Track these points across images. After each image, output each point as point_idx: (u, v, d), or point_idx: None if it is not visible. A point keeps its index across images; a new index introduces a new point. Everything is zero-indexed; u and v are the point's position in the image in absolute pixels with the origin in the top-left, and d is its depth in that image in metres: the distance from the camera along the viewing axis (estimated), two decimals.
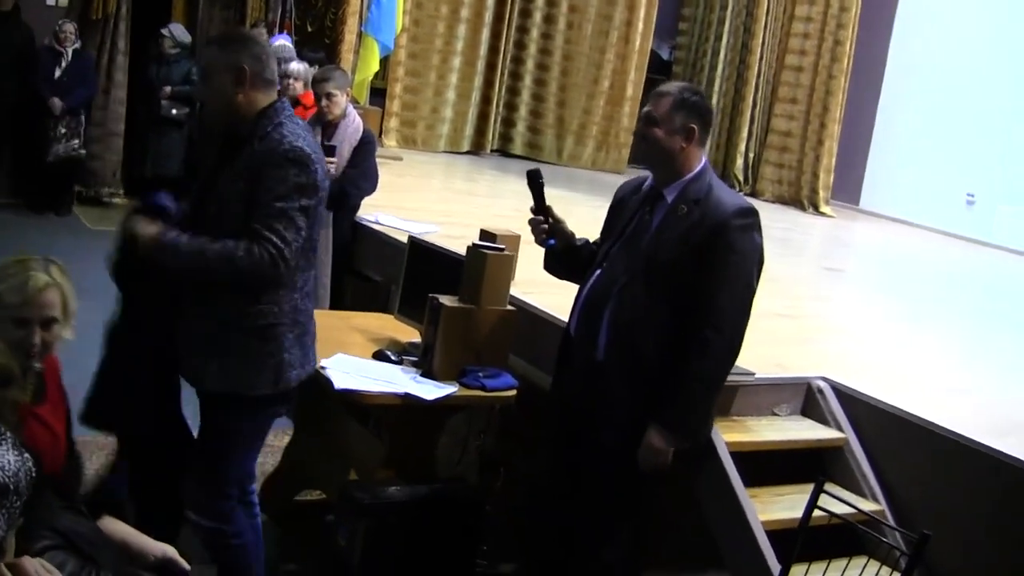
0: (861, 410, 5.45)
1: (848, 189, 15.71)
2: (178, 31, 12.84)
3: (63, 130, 11.82)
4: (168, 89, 12.52)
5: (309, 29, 12.79)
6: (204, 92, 4.44)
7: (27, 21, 12.00)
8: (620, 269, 4.44)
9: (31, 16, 12.09)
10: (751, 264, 4.34)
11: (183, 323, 4.24)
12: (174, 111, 12.59)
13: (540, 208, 4.65)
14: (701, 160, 4.48)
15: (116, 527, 3.01)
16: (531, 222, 4.67)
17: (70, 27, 11.95)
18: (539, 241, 4.69)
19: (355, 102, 10.73)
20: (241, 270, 3.95)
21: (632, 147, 13.76)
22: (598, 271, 4.53)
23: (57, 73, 11.89)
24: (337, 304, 7.52)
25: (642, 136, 4.48)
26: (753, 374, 5.37)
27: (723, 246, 4.26)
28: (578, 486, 4.60)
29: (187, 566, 3.06)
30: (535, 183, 4.64)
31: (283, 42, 11.10)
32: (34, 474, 2.49)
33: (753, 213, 4.40)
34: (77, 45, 12.03)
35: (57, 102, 11.72)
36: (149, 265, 4.12)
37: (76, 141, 11.82)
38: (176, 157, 12.77)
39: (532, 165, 12.29)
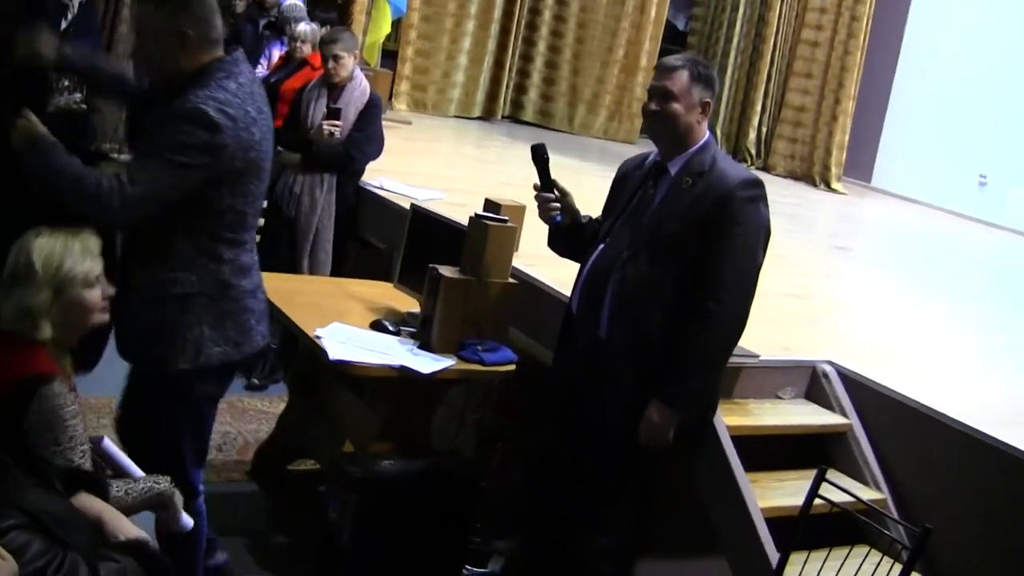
0: (866, 396, 5.35)
1: (860, 166, 15.58)
2: None
3: (66, 82, 11.71)
4: None
5: None
6: (142, 53, 4.18)
7: None
8: (623, 244, 4.35)
9: None
10: (756, 237, 4.24)
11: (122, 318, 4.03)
12: None
13: (546, 183, 4.54)
14: (705, 132, 4.40)
15: (92, 504, 2.92)
16: (538, 198, 4.56)
17: None
18: (545, 218, 4.58)
19: (366, 64, 10.65)
20: (81, 194, 3.65)
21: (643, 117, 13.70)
22: (600, 246, 4.43)
23: (63, 24, 11.78)
24: (338, 270, 7.45)
25: (658, 111, 4.36)
26: (757, 356, 5.28)
27: (727, 218, 4.17)
28: (578, 466, 4.52)
29: (157, 549, 2.97)
30: (540, 158, 4.53)
31: (294, 1, 10.97)
32: None
33: (759, 184, 4.31)
34: None
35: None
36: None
37: (78, 95, 11.70)
38: None
39: (543, 133, 12.27)
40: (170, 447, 4.12)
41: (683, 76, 4.31)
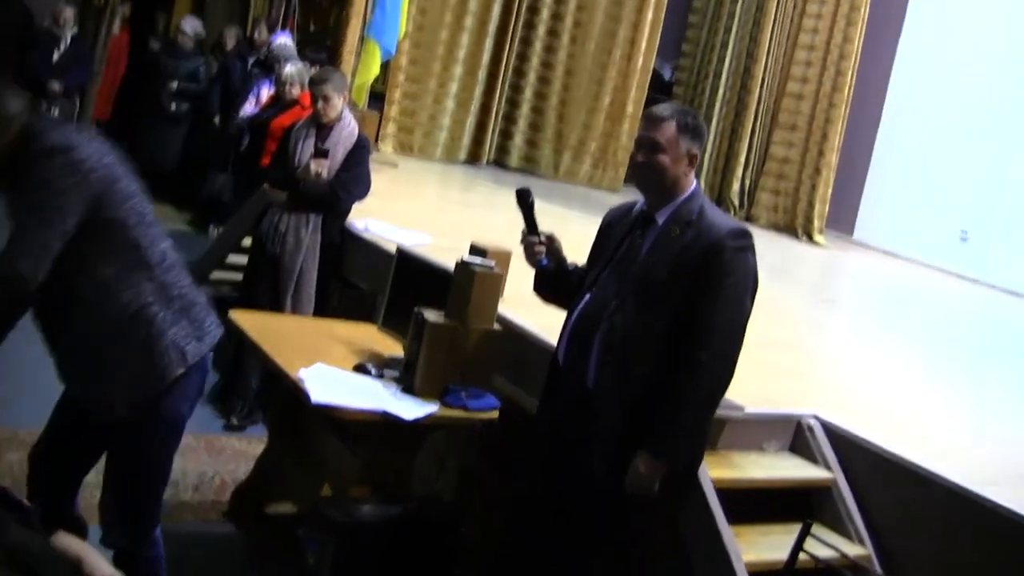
0: (851, 450, 5.34)
1: (843, 219, 15.61)
2: (196, 26, 12.78)
3: (56, 111, 11.72)
4: (175, 84, 12.46)
5: (312, 28, 12.71)
6: None
7: (27, 4, 11.91)
8: (611, 293, 4.31)
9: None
10: (745, 287, 4.22)
11: (59, 357, 4.06)
12: (175, 106, 12.53)
13: (532, 228, 4.51)
14: (692, 182, 4.37)
15: (71, 543, 2.87)
16: (523, 241, 4.53)
17: (69, 12, 11.91)
18: (532, 262, 4.55)
19: (354, 106, 10.64)
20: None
21: (629, 167, 13.71)
22: (587, 296, 4.40)
23: (55, 56, 11.81)
24: (321, 310, 7.41)
25: (645, 163, 4.34)
26: (743, 408, 5.25)
27: (716, 267, 4.15)
28: (564, 514, 4.47)
29: None
30: (525, 202, 4.51)
31: (284, 40, 11.00)
32: None
33: (747, 235, 4.29)
34: (75, 31, 11.95)
35: (56, 85, 11.63)
36: None
37: (70, 125, 11.73)
38: (173, 151, 12.71)
39: (528, 179, 12.22)
40: (146, 477, 4.12)
41: (671, 127, 4.29)
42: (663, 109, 4.40)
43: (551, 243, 4.53)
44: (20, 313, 3.89)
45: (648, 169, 4.32)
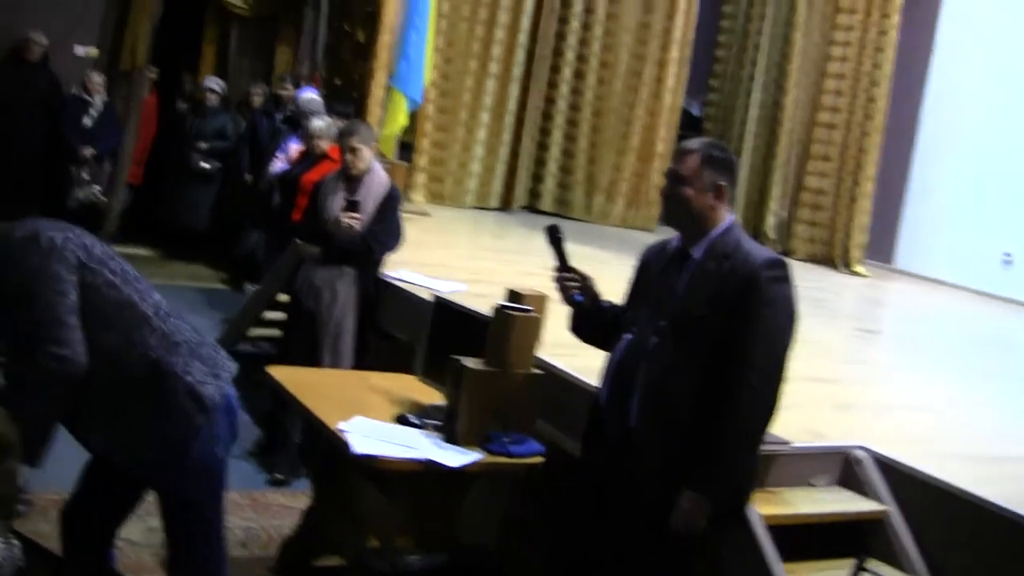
0: (902, 481, 5.25)
1: (882, 248, 15.51)
2: (222, 84, 12.84)
3: (85, 176, 11.77)
4: (204, 144, 12.51)
5: (337, 82, 12.72)
6: None
7: (55, 70, 11.98)
8: (649, 332, 4.26)
9: (59, 66, 12.07)
10: (784, 316, 4.16)
11: (82, 424, 4.02)
12: (205, 164, 12.57)
13: (564, 264, 4.48)
14: (727, 216, 4.32)
15: None
16: (557, 279, 4.49)
17: (98, 77, 11.96)
18: (566, 299, 4.51)
19: (382, 157, 10.65)
20: (36, 387, 3.76)
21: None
22: (628, 337, 4.35)
23: (87, 122, 11.88)
24: (360, 362, 7.38)
25: (669, 195, 4.31)
26: (788, 443, 5.18)
27: (755, 299, 4.09)
28: (610, 556, 4.41)
29: None
30: (555, 238, 4.50)
31: (310, 95, 11.02)
32: (21, 564, 2.33)
33: (784, 265, 4.24)
34: (105, 96, 12.01)
35: (88, 151, 11.69)
36: None
37: (97, 187, 11.76)
38: (203, 210, 12.75)
39: (561, 222, 12.18)
40: (198, 526, 4.17)
41: (694, 159, 4.26)
42: (691, 143, 4.39)
43: (584, 280, 4.49)
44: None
45: (671, 201, 4.33)
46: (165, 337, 3.94)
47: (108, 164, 11.97)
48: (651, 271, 4.47)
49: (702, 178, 4.25)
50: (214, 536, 4.23)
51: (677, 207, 4.30)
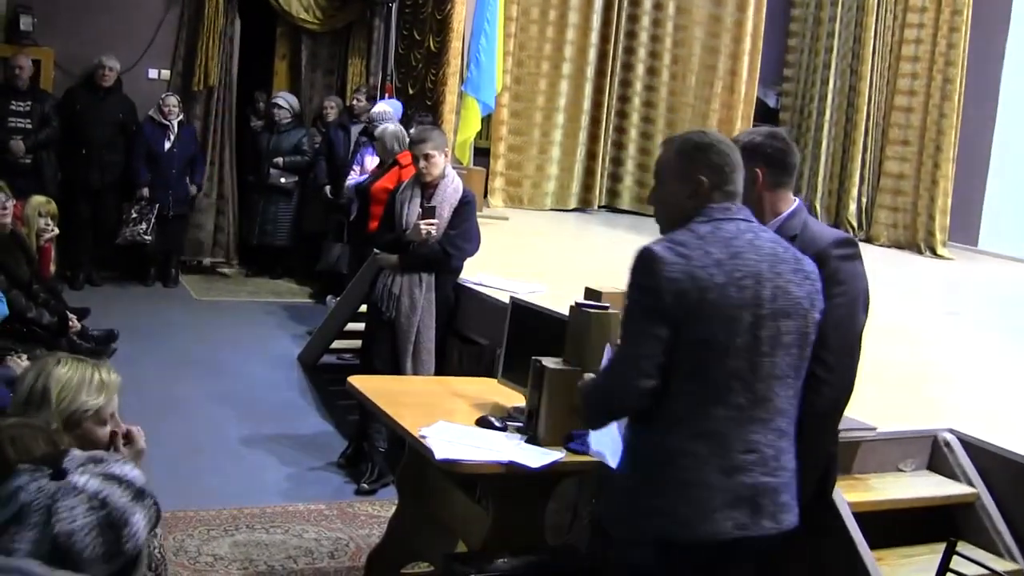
0: (992, 463, 5.19)
1: (966, 230, 15.28)
2: (290, 100, 12.94)
3: (134, 214, 11.89)
4: (281, 160, 12.61)
5: (410, 91, 12.78)
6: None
7: (128, 95, 12.13)
8: None
9: (132, 89, 12.22)
10: (855, 294, 4.11)
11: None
12: (283, 180, 12.67)
13: None
14: (791, 200, 4.30)
15: None
16: None
17: (174, 100, 12.09)
18: None
19: (458, 163, 10.69)
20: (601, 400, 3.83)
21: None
22: None
23: (166, 145, 12.01)
24: (442, 369, 7.42)
25: None
26: (875, 428, 5.13)
27: (824, 277, 4.04)
28: None
29: None
30: None
31: (383, 106, 11.08)
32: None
33: (852, 243, 4.22)
34: (181, 117, 12.14)
35: (146, 192, 11.83)
36: None
37: (143, 226, 11.85)
38: (283, 226, 12.85)
39: (641, 220, 12.16)
40: None
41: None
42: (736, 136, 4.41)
43: None
44: None
45: None
46: (692, 438, 3.66)
47: (155, 204, 12.00)
48: None
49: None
50: None
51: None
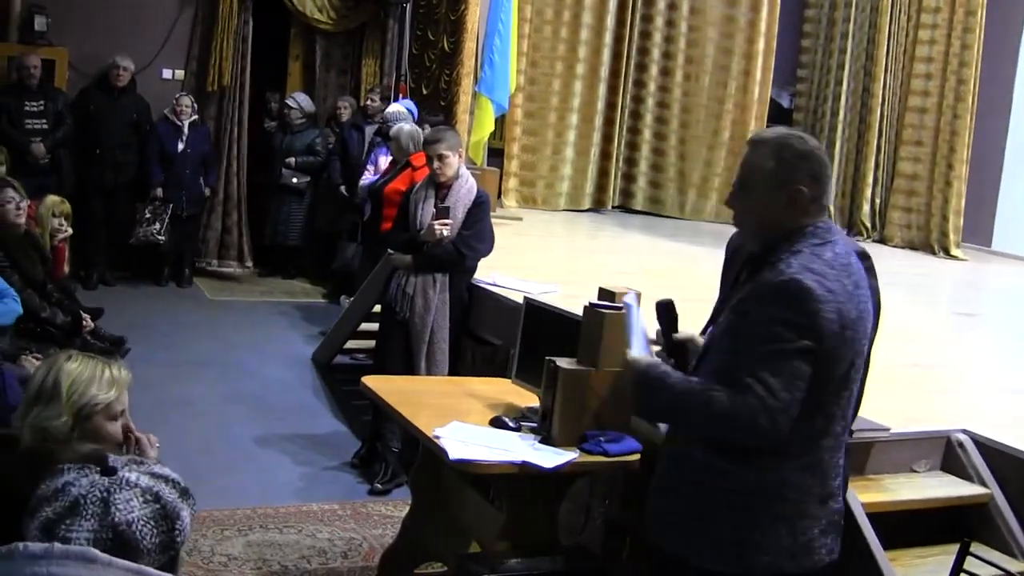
0: (1006, 464, 5.18)
1: (979, 231, 15.27)
2: (303, 100, 12.95)
3: (148, 214, 11.91)
4: (294, 160, 12.63)
5: (424, 92, 12.79)
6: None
7: (142, 95, 12.15)
8: None
9: (146, 89, 12.24)
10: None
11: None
12: (295, 180, 12.68)
13: (669, 340, 4.19)
14: None
15: None
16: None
17: (188, 100, 12.10)
18: None
19: (472, 163, 10.69)
20: (716, 418, 3.50)
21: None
22: (711, 329, 4.28)
23: (180, 146, 12.02)
24: (455, 369, 7.42)
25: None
26: (888, 429, 5.13)
27: None
28: None
29: None
30: (671, 315, 4.22)
31: (397, 106, 11.07)
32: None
33: (867, 257, 4.17)
34: (195, 118, 12.15)
35: (159, 192, 11.84)
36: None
37: (157, 226, 11.87)
38: (296, 226, 12.86)
39: (655, 220, 12.18)
40: None
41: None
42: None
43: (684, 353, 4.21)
44: None
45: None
46: (782, 481, 3.61)
47: (169, 205, 12.01)
48: (738, 257, 4.42)
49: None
50: None
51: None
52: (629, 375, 3.82)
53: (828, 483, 3.63)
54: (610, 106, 15.04)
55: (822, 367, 3.45)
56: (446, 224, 7.15)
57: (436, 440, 4.81)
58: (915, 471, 5.29)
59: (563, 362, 4.97)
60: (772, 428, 3.40)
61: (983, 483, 5.19)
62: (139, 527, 2.14)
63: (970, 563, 4.16)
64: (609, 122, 15.07)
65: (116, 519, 2.13)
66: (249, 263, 13.33)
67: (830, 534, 3.67)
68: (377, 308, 8.23)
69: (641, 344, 3.97)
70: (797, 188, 3.57)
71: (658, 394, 3.71)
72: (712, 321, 4.28)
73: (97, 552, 2.08)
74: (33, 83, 11.28)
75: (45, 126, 11.27)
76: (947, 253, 14.47)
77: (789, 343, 3.41)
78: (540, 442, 4.93)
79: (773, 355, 3.43)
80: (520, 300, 6.43)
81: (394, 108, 11.01)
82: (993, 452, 5.27)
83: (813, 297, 3.42)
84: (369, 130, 11.82)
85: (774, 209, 3.61)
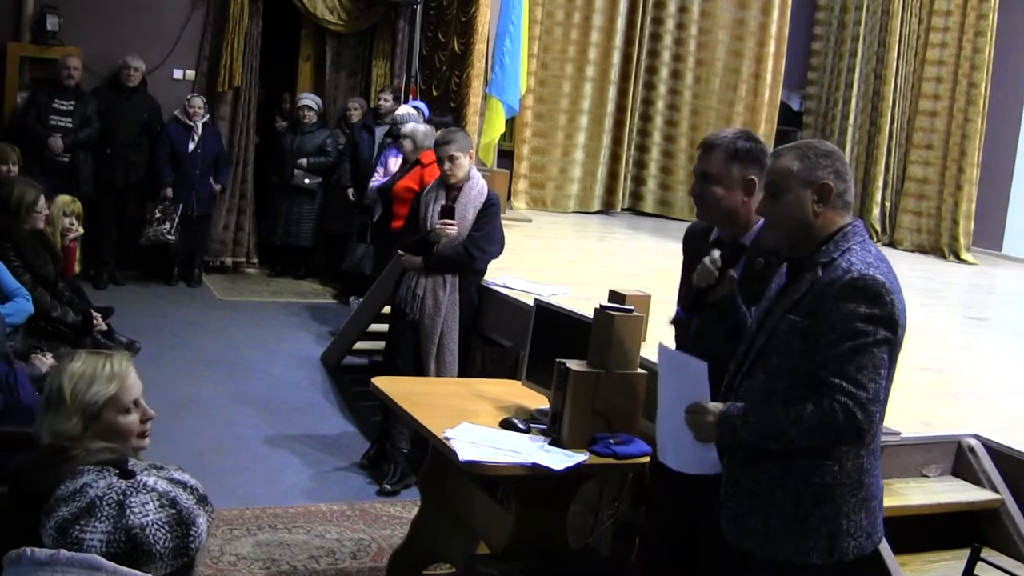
0: (1017, 469, 5.16)
1: (990, 235, 15.25)
2: (316, 101, 12.95)
3: (158, 214, 11.91)
4: (305, 161, 12.63)
5: (434, 93, 12.80)
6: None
7: (153, 95, 12.16)
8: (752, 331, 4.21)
9: (157, 90, 12.25)
10: None
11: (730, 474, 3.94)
12: (307, 180, 12.68)
13: (724, 269, 4.15)
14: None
15: None
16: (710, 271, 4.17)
17: (199, 101, 12.10)
18: (699, 279, 4.21)
19: (482, 165, 10.69)
20: (808, 426, 3.57)
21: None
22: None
23: (191, 147, 12.03)
24: (465, 370, 7.42)
25: (698, 194, 4.37)
26: (899, 433, 5.12)
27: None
28: (708, 549, 4.36)
29: None
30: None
31: (407, 108, 11.08)
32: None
33: None
34: (206, 118, 12.16)
35: (169, 192, 11.84)
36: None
37: (167, 226, 11.87)
38: (307, 227, 12.87)
39: (664, 223, 12.16)
40: None
41: (719, 155, 4.25)
42: (715, 136, 4.36)
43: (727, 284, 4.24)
44: None
45: (701, 201, 4.39)
46: (860, 467, 3.75)
47: (179, 204, 12.01)
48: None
49: (731, 175, 4.25)
50: None
51: (707, 206, 4.38)
52: (707, 425, 3.83)
53: (879, 465, 3.82)
54: (620, 108, 15.03)
55: (892, 356, 3.62)
56: (449, 224, 7.14)
57: (446, 441, 4.81)
58: (925, 476, 5.27)
59: (573, 364, 4.97)
60: (867, 420, 3.54)
61: (994, 488, 5.17)
62: (153, 531, 2.14)
63: (981, 568, 4.15)
64: (619, 124, 15.06)
65: (130, 522, 2.13)
66: (255, 260, 13.34)
67: (882, 513, 3.85)
68: (387, 309, 8.23)
69: (704, 393, 3.95)
70: (824, 183, 3.68)
71: (743, 429, 3.73)
72: (693, 309, 4.25)
73: (103, 560, 2.08)
74: (71, 83, 11.33)
75: (70, 124, 11.29)
76: (957, 257, 14.45)
77: (871, 336, 3.54)
78: (550, 444, 4.94)
79: (855, 351, 3.53)
80: (530, 302, 6.44)
81: (404, 109, 11.02)
82: (1004, 457, 5.25)
83: (887, 289, 3.57)
84: (379, 131, 11.83)
85: (806, 208, 3.71)
